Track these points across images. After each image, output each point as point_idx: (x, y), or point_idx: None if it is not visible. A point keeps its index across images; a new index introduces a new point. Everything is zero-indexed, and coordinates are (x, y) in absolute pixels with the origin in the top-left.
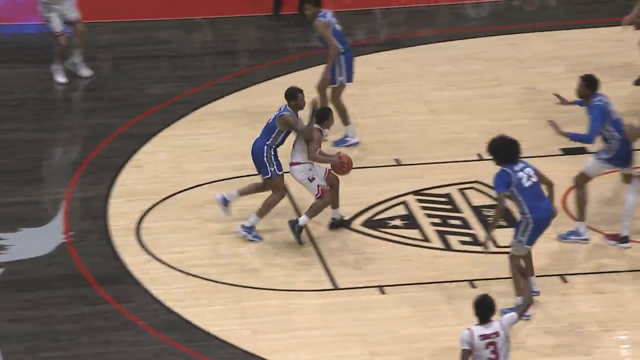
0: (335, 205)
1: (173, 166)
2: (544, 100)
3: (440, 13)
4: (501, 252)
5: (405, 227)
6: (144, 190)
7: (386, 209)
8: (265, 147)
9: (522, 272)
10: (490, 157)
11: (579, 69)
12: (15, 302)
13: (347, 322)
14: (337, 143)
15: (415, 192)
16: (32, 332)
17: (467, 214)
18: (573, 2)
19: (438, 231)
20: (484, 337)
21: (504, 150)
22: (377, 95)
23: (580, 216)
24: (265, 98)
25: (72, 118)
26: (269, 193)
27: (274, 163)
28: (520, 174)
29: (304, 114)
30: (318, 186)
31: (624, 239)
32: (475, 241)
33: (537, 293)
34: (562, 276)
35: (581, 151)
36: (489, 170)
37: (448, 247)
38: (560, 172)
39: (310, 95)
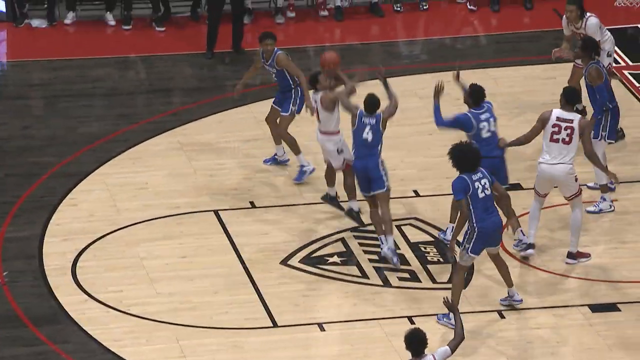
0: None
1: (108, 204)
2: None
3: (373, 51)
4: (440, 287)
5: (344, 263)
6: (79, 229)
7: (325, 246)
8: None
9: (461, 284)
10: (451, 163)
11: (511, 105)
12: None
13: None
14: (298, 179)
15: (353, 229)
16: None
17: (405, 250)
18: (503, 40)
19: (376, 268)
20: None
21: (465, 158)
22: (312, 132)
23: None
24: (200, 135)
25: (5, 157)
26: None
27: None
28: (477, 184)
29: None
30: (344, 160)
31: (574, 255)
32: (414, 277)
33: (520, 301)
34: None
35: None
36: (425, 207)
37: (387, 284)
38: None
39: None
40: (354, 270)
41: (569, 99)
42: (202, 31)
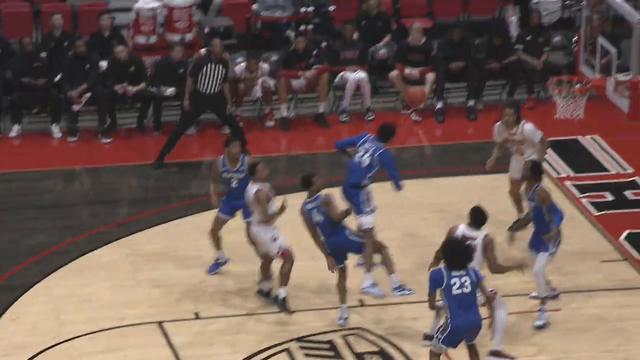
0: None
1: (51, 317)
2: (426, 246)
3: (320, 160)
4: None
5: None
6: (22, 342)
7: (269, 357)
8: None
9: None
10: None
11: (456, 214)
12: None
13: None
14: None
15: (298, 339)
16: None
17: None
18: (448, 150)
19: None
20: None
21: (451, 254)
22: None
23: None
24: (146, 246)
25: None
26: None
27: None
28: (455, 280)
29: None
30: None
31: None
32: None
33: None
34: None
35: None
36: (370, 317)
37: None
38: None
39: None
40: None
41: (476, 220)
42: (148, 142)
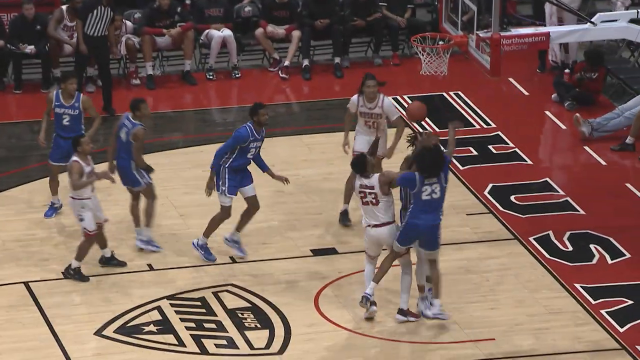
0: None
1: None
2: (294, 203)
3: (187, 118)
4: (257, 354)
5: (160, 332)
6: None
7: (140, 315)
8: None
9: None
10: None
11: (325, 170)
12: None
13: None
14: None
15: (169, 297)
16: None
17: (222, 316)
18: (314, 107)
19: (193, 335)
20: None
21: (426, 163)
22: (125, 200)
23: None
24: (8, 206)
25: None
26: None
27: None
28: (426, 187)
29: None
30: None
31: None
32: (231, 344)
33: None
34: None
35: None
36: (243, 272)
37: (204, 351)
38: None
39: None
40: (170, 338)
41: (360, 168)
42: (9, 100)
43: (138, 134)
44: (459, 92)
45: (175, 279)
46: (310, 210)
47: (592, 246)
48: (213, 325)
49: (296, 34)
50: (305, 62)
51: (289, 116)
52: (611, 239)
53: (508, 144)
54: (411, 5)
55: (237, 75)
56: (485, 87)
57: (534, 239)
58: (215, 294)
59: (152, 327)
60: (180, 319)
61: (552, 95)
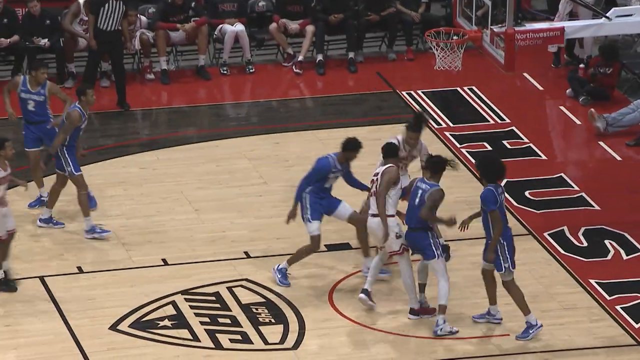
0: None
1: None
2: None
3: (201, 113)
4: (271, 349)
5: (175, 327)
6: None
7: (155, 310)
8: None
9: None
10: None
11: None
12: None
13: None
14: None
15: (184, 292)
16: None
17: (237, 312)
18: (329, 102)
19: (207, 330)
20: None
21: (493, 167)
22: (140, 195)
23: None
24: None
25: None
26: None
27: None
28: (502, 196)
29: None
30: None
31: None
32: (245, 339)
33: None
34: None
35: None
36: (257, 268)
37: (218, 346)
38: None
39: None
40: (185, 333)
41: (387, 153)
42: None
43: (73, 115)
44: (473, 87)
45: (190, 274)
46: None
47: (607, 242)
48: (227, 320)
49: (310, 28)
50: (319, 57)
51: (303, 111)
52: (626, 235)
53: (522, 139)
54: (425, 0)
55: (251, 70)
56: (499, 82)
57: (548, 234)
58: (230, 289)
59: (166, 322)
60: (194, 313)
61: (567, 91)
